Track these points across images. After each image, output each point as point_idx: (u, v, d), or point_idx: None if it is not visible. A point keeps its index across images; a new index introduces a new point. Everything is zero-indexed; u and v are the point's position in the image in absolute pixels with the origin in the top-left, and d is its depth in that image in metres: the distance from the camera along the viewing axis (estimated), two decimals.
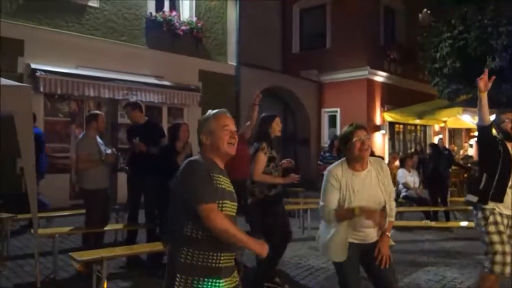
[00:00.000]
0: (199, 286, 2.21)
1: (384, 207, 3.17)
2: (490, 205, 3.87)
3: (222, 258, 2.29)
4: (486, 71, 3.83)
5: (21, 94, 4.58)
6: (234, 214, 2.41)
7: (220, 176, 2.36)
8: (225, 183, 2.37)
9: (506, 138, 3.96)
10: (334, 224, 3.15)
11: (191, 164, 2.34)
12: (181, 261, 2.24)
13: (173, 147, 5.46)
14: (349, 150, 3.17)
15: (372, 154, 5.62)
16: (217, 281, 2.25)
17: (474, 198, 3.94)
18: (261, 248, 2.30)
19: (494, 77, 3.76)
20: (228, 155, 2.42)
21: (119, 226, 6.44)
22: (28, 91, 4.71)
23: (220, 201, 2.29)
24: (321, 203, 3.21)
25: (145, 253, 5.00)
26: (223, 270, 2.29)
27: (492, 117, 4.02)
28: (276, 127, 4.78)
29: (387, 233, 3.22)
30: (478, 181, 3.99)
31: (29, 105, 4.67)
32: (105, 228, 5.84)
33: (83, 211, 7.32)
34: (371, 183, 3.18)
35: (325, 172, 3.30)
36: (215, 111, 2.47)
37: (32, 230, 5.03)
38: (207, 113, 2.48)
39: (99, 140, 5.79)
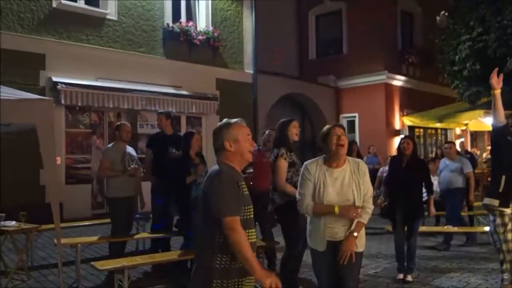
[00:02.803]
0: (235, 286, 2.40)
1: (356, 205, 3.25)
2: (510, 209, 3.74)
3: None
4: (496, 69, 3.78)
5: (43, 107, 4.68)
6: (252, 216, 2.54)
7: (243, 182, 2.52)
8: (246, 188, 2.52)
9: None
10: (312, 217, 3.37)
11: (219, 175, 2.44)
12: (216, 267, 2.38)
13: (188, 157, 5.41)
14: (327, 145, 3.32)
15: (415, 155, 5.58)
16: (249, 278, 2.44)
17: (494, 202, 3.75)
18: (264, 277, 2.34)
19: (502, 74, 3.74)
20: (248, 161, 2.61)
21: (143, 235, 6.48)
22: (50, 104, 4.81)
23: (248, 207, 2.48)
24: (298, 197, 3.41)
25: (166, 262, 5.02)
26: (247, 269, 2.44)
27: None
28: (294, 130, 4.66)
29: (354, 233, 3.24)
30: (495, 183, 3.79)
31: (51, 117, 4.76)
32: (127, 237, 5.91)
33: (105, 220, 7.47)
34: (343, 181, 3.29)
35: (302, 166, 3.44)
36: (235, 120, 2.60)
37: (55, 240, 5.11)
38: (226, 121, 2.60)
39: (129, 150, 5.91)
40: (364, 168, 3.38)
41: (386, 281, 5.44)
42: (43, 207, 8.05)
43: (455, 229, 6.98)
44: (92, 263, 4.54)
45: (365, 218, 3.31)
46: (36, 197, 8.79)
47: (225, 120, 2.63)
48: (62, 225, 5.48)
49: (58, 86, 9.40)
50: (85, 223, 7.61)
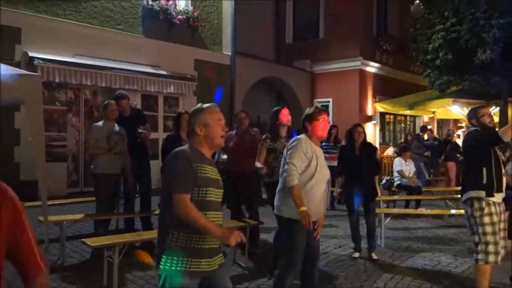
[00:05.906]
0: (183, 264, 2.40)
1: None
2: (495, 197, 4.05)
3: (205, 239, 2.44)
4: None
5: (32, 83, 4.63)
6: (219, 200, 2.59)
7: (206, 165, 2.52)
8: (210, 171, 2.54)
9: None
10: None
11: (174, 154, 2.52)
12: (167, 242, 2.43)
13: (178, 137, 5.56)
14: (314, 128, 3.61)
15: (364, 140, 5.86)
16: (199, 260, 2.44)
17: (481, 194, 4.05)
18: (226, 237, 2.37)
19: None
20: (219, 146, 2.70)
21: (129, 214, 6.54)
22: (38, 80, 4.76)
23: (204, 189, 2.47)
24: (287, 166, 3.48)
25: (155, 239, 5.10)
26: (206, 251, 2.46)
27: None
28: (282, 118, 5.21)
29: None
30: (477, 176, 4.08)
31: (40, 93, 4.73)
32: (113, 215, 5.95)
33: (83, 199, 7.46)
34: (323, 158, 3.70)
35: (296, 141, 3.58)
36: (207, 104, 2.64)
37: (41, 218, 5.12)
38: (199, 106, 2.64)
39: (117, 129, 5.89)
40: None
41: (362, 261, 5.69)
42: (18, 184, 8.01)
43: (429, 211, 7.32)
44: (82, 239, 4.56)
45: None
46: (10, 174, 8.65)
47: (198, 104, 2.67)
48: (38, 203, 5.36)
49: (35, 62, 9.16)
50: (63, 202, 7.50)
